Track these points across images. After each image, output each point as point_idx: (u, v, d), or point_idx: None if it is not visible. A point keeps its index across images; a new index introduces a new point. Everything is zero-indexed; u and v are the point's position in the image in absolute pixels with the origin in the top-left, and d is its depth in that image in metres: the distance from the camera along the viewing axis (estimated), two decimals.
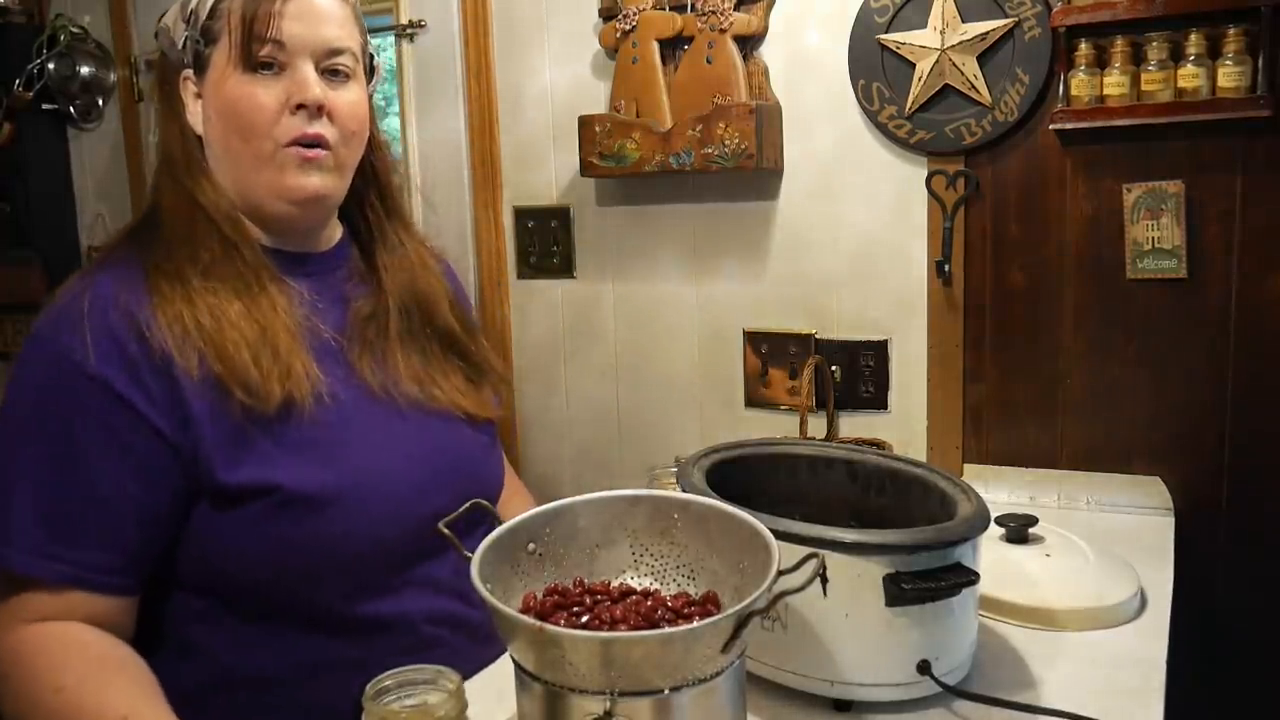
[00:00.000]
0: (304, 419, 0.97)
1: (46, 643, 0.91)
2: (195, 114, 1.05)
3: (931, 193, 1.67)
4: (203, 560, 0.97)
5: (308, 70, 1.01)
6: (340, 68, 1.04)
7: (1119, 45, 1.49)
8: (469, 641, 1.06)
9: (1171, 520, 1.50)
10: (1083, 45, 1.51)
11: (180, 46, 1.05)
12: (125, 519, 0.93)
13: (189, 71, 1.05)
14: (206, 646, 0.99)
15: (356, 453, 1.01)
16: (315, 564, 0.97)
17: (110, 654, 0.93)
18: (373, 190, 1.16)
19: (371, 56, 1.13)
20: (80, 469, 0.92)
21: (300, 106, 1.00)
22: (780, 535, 0.82)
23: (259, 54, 0.99)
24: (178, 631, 1.00)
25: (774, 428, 1.85)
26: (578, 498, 0.91)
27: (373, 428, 1.04)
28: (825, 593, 0.85)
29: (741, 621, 0.71)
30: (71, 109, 2.51)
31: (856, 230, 1.75)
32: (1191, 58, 1.44)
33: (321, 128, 1.02)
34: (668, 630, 0.75)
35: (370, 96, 1.12)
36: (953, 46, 1.60)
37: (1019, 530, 1.25)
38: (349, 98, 1.05)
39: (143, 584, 0.97)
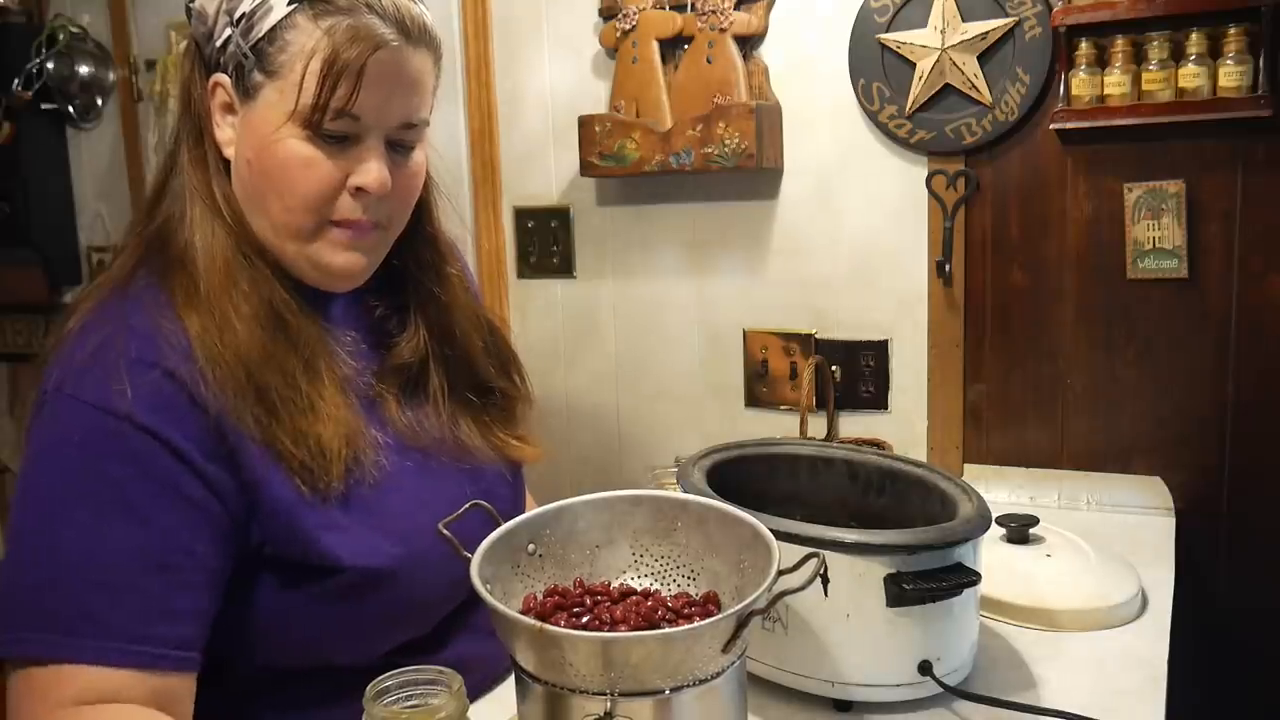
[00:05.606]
0: (364, 486, 0.89)
1: None
2: (223, 129, 0.91)
3: (932, 192, 1.67)
4: (243, 629, 0.88)
5: (377, 150, 0.88)
6: (411, 141, 0.92)
7: (1120, 45, 1.49)
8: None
9: (1172, 520, 1.50)
10: (1083, 45, 1.51)
11: (219, 45, 0.89)
12: (194, 583, 0.81)
13: (223, 77, 0.89)
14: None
15: (405, 517, 0.92)
16: (361, 631, 0.91)
17: None
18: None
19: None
20: (138, 531, 0.79)
21: (360, 189, 0.88)
22: (781, 535, 0.82)
23: (329, 124, 0.85)
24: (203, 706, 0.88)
25: (774, 428, 1.85)
26: (578, 498, 0.91)
27: (415, 486, 0.95)
28: (826, 593, 0.85)
29: (742, 621, 0.71)
30: (71, 109, 2.51)
31: (857, 230, 1.75)
32: (1192, 57, 1.44)
33: (378, 211, 0.91)
34: (668, 630, 0.74)
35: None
36: (953, 46, 1.60)
37: (1020, 530, 1.25)
38: (413, 167, 0.93)
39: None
